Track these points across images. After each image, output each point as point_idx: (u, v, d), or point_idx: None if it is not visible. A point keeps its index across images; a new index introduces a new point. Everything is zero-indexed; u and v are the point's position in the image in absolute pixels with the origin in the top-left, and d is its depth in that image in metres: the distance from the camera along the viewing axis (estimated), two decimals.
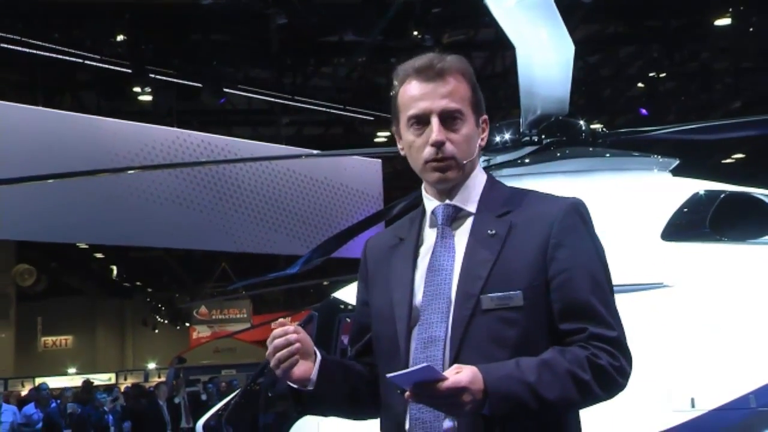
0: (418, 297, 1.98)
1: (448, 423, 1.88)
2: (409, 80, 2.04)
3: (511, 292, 1.88)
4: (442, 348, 1.91)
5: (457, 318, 1.91)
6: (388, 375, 1.77)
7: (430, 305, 1.95)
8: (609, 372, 1.84)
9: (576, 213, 1.98)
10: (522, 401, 1.77)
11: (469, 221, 2.03)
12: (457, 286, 1.93)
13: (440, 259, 1.99)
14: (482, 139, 2.07)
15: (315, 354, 1.99)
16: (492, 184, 2.09)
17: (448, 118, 1.99)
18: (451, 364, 1.86)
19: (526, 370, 1.79)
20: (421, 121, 2.00)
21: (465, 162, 2.01)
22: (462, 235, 2.01)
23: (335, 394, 2.04)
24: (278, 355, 1.91)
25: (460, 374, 1.75)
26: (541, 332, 1.90)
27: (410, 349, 1.95)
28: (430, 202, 2.08)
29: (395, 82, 2.09)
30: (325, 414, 2.13)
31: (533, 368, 1.80)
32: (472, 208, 2.03)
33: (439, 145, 1.98)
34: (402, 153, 2.12)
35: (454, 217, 2.04)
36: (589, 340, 1.86)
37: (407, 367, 1.88)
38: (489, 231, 1.96)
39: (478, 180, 2.07)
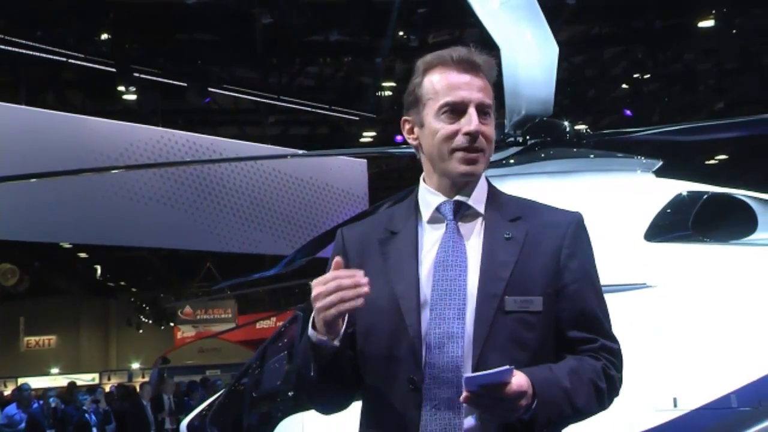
0: (426, 291, 1.94)
1: (470, 421, 1.87)
2: (446, 69, 2.00)
3: (533, 297, 1.94)
4: (462, 345, 1.89)
5: (480, 316, 1.90)
6: (466, 375, 1.75)
7: (443, 300, 1.92)
8: (616, 383, 1.97)
9: (583, 226, 2.07)
10: (561, 407, 1.85)
11: (478, 221, 2.03)
12: (479, 285, 1.92)
13: (452, 255, 1.96)
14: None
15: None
16: (492, 188, 2.10)
17: (482, 113, 1.99)
18: (474, 362, 1.86)
19: (561, 377, 1.86)
20: (456, 110, 1.98)
21: (489, 158, 2.05)
22: (471, 234, 2.01)
23: (343, 366, 1.97)
24: (342, 293, 1.81)
25: (519, 378, 1.77)
26: (553, 337, 1.97)
27: (422, 344, 1.91)
28: (435, 197, 2.04)
29: (421, 70, 2.05)
30: (320, 388, 2.00)
31: (566, 375, 1.87)
32: (480, 208, 2.04)
33: (476, 135, 1.97)
34: (412, 142, 2.08)
35: (463, 214, 2.02)
36: (600, 351, 1.96)
37: (420, 361, 1.88)
38: (505, 234, 1.99)
39: (484, 181, 2.09)
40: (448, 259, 1.95)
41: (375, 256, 2.03)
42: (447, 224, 2.01)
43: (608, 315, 2.03)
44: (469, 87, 1.98)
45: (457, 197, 2.02)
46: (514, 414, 1.78)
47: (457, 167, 1.98)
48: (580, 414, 1.91)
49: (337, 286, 1.82)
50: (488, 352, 1.87)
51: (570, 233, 2.02)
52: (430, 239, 2.01)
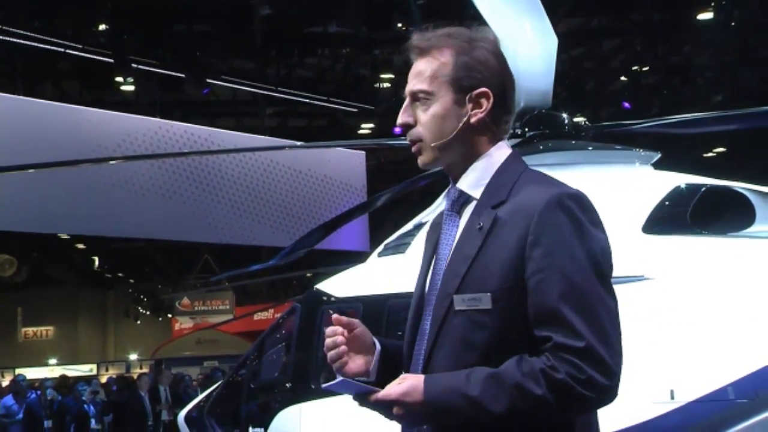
0: (427, 287, 1.96)
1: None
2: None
3: (480, 294, 1.79)
4: (425, 344, 1.88)
5: (434, 316, 1.87)
6: (322, 386, 1.84)
7: (430, 296, 1.92)
8: (569, 386, 1.69)
9: (559, 207, 1.78)
10: (463, 414, 1.73)
11: (471, 208, 1.91)
12: (441, 282, 1.89)
13: (442, 248, 1.93)
14: (473, 116, 1.89)
15: (375, 345, 1.95)
16: (508, 167, 1.92)
17: (417, 100, 1.92)
18: (425, 362, 1.86)
19: (473, 384, 1.72)
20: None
21: (435, 144, 1.90)
22: (464, 224, 1.92)
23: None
24: (329, 356, 1.89)
25: (395, 387, 1.77)
26: (516, 337, 1.78)
27: (414, 341, 1.94)
28: (450, 186, 1.99)
29: None
30: None
31: (480, 381, 1.72)
32: (477, 193, 1.90)
33: (403, 128, 1.94)
34: None
35: (463, 202, 1.93)
36: (554, 350, 1.72)
37: (411, 360, 1.92)
38: (478, 224, 1.84)
39: (490, 163, 1.92)
40: (440, 252, 1.94)
41: (425, 250, 2.06)
42: (446, 214, 1.97)
43: (588, 308, 1.74)
44: (410, 77, 1.94)
45: (459, 185, 1.94)
46: (399, 420, 1.80)
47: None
48: (506, 419, 1.71)
49: (325, 349, 1.91)
50: (436, 352, 1.85)
51: (537, 217, 1.77)
52: (445, 230, 1.98)
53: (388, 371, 1.92)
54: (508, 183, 1.88)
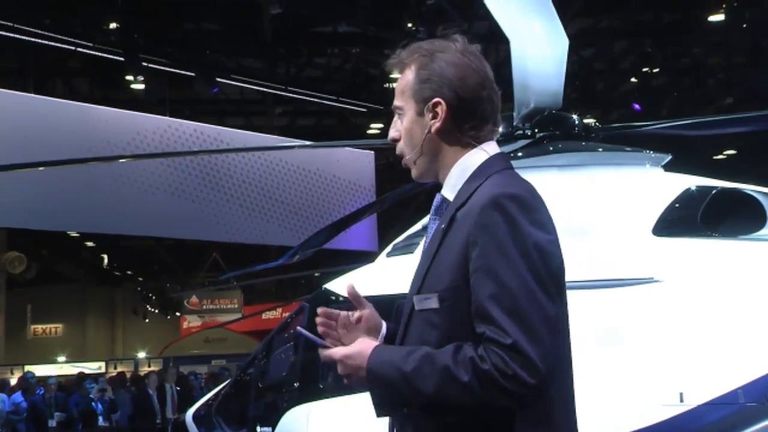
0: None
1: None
2: None
3: (431, 294, 1.87)
4: (397, 342, 1.97)
5: (403, 316, 1.96)
6: (298, 327, 2.07)
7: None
8: (494, 378, 1.73)
9: (494, 208, 1.82)
10: (394, 387, 1.81)
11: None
12: (411, 284, 1.97)
13: (423, 251, 2.02)
14: (432, 126, 1.97)
15: (382, 327, 2.03)
16: (480, 171, 1.96)
17: (398, 117, 2.05)
18: None
19: (410, 360, 1.79)
20: None
21: (410, 157, 2.02)
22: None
23: None
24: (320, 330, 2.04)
25: (343, 348, 1.91)
26: (461, 336, 1.82)
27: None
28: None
29: None
30: None
31: (417, 359, 1.79)
32: (452, 197, 1.99)
33: (392, 144, 2.06)
34: None
35: (445, 207, 2.01)
36: (485, 343, 1.77)
37: None
38: (442, 225, 1.93)
39: (465, 167, 1.98)
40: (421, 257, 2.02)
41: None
42: (430, 219, 2.05)
43: (518, 306, 1.76)
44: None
45: (442, 190, 2.03)
46: (346, 379, 1.90)
47: None
48: (434, 400, 1.77)
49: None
50: None
51: (476, 217, 1.82)
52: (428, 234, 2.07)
53: None
54: (474, 186, 1.92)
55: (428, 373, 1.77)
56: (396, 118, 2.05)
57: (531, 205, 1.86)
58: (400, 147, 2.04)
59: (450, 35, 2.05)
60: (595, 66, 15.74)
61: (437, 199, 2.03)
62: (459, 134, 1.99)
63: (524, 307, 1.76)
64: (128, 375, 18.63)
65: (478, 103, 1.98)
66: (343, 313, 2.01)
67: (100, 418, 14.09)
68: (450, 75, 1.97)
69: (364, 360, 1.84)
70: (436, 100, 1.97)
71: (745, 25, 13.28)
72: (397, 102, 2.04)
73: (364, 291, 5.61)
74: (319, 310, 2.02)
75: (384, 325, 2.03)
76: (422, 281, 1.91)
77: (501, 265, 1.78)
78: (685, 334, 4.28)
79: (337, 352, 1.90)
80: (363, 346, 1.88)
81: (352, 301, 2.03)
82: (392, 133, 2.06)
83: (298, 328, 2.07)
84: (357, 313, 2.02)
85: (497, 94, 2.02)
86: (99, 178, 10.30)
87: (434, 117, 1.98)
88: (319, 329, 2.01)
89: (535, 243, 1.81)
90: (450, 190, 1.99)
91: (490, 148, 2.00)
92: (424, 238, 2.08)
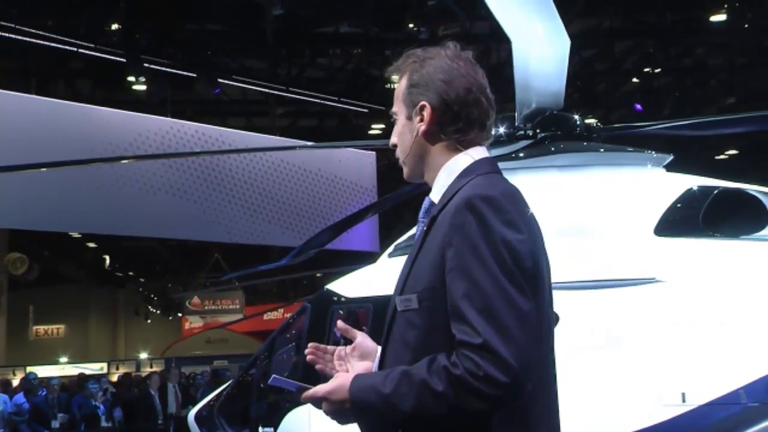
0: None
1: None
2: None
3: (411, 295, 1.90)
4: (382, 344, 2.00)
5: (387, 318, 1.99)
6: (269, 381, 2.00)
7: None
8: (467, 382, 1.73)
9: (467, 209, 1.85)
10: (378, 411, 1.81)
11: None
12: (395, 285, 2.01)
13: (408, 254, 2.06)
14: (418, 129, 2.04)
15: (377, 352, 2.03)
16: (463, 175, 1.99)
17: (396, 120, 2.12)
18: (379, 363, 1.97)
19: (388, 382, 1.80)
20: None
21: (403, 159, 2.10)
22: None
23: None
24: (308, 359, 2.07)
25: (324, 385, 1.89)
26: (440, 336, 1.84)
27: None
28: None
29: None
30: None
31: (394, 379, 1.80)
32: (438, 200, 2.03)
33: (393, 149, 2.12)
34: None
35: (432, 211, 2.04)
36: (457, 347, 1.77)
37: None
38: (424, 227, 1.98)
39: (450, 171, 2.02)
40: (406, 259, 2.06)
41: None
42: (419, 221, 2.08)
43: (489, 305, 1.77)
44: None
45: (430, 194, 2.08)
46: (331, 417, 1.90)
47: None
48: (416, 418, 1.77)
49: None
50: (385, 352, 1.96)
51: (451, 218, 1.86)
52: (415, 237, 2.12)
53: None
54: (455, 189, 1.95)
55: (406, 391, 1.77)
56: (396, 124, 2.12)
57: (502, 206, 1.86)
58: (397, 151, 2.12)
59: (446, 42, 2.11)
60: (597, 66, 15.73)
61: (426, 202, 2.07)
62: (444, 137, 2.03)
63: (496, 306, 1.77)
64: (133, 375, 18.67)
65: (463, 106, 2.01)
66: (337, 348, 2.04)
67: (103, 419, 14.10)
68: (436, 79, 2.02)
69: (346, 392, 1.85)
70: (422, 103, 2.03)
71: (747, 26, 13.28)
72: (393, 108, 2.11)
73: (365, 291, 5.61)
74: (311, 346, 2.04)
75: (379, 349, 2.03)
76: (404, 283, 1.95)
77: (473, 264, 1.80)
78: (686, 334, 4.28)
79: (319, 390, 1.89)
80: (342, 378, 1.89)
81: (342, 333, 2.07)
82: (393, 139, 2.13)
83: (274, 376, 2.00)
84: (350, 347, 2.04)
85: (489, 99, 2.05)
86: (101, 179, 10.32)
87: (421, 120, 2.04)
88: (317, 367, 2.04)
89: (505, 241, 1.82)
90: (435, 193, 2.04)
91: (476, 153, 2.02)
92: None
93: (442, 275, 1.84)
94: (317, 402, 1.91)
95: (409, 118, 2.06)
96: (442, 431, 1.82)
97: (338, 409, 1.87)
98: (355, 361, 2.02)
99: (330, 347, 2.04)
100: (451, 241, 1.84)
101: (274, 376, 1.97)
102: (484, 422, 1.80)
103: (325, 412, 1.90)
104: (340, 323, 2.09)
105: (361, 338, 2.05)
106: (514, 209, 1.88)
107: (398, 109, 2.09)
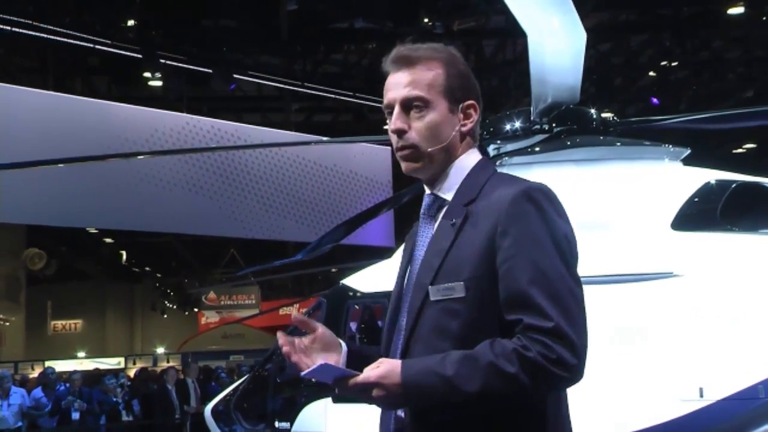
0: (405, 287, 2.07)
1: (399, 412, 1.97)
2: (389, 71, 2.07)
3: (454, 283, 1.90)
4: (402, 337, 1.98)
5: (410, 309, 1.98)
6: (302, 373, 1.90)
7: (406, 296, 2.03)
8: (540, 364, 1.78)
9: (526, 199, 1.89)
10: (439, 394, 1.81)
11: (444, 211, 2.03)
12: (416, 277, 2.00)
13: (418, 250, 2.05)
14: (463, 125, 2.03)
15: (340, 346, 2.03)
16: (479, 170, 2.04)
17: (411, 107, 2.01)
18: (402, 354, 1.95)
19: (447, 364, 1.80)
20: (391, 112, 2.05)
21: (430, 150, 2.00)
22: (437, 225, 2.04)
23: None
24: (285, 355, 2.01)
25: (374, 370, 1.85)
26: (489, 323, 1.87)
27: (391, 339, 2.05)
28: (425, 192, 2.11)
29: None
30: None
31: (455, 362, 1.80)
32: (449, 196, 2.03)
33: (398, 134, 2.02)
34: None
35: (438, 206, 2.05)
36: (524, 331, 1.81)
37: (387, 354, 2.01)
38: (452, 221, 1.97)
39: (461, 167, 2.04)
40: (416, 254, 2.06)
41: (402, 257, 2.18)
42: (421, 219, 2.08)
43: (556, 291, 1.83)
44: (396, 86, 2.03)
45: (433, 190, 2.06)
46: (379, 402, 1.87)
47: (402, 166, 2.06)
48: (480, 399, 1.80)
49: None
50: (412, 343, 1.95)
51: (505, 210, 1.89)
52: (421, 234, 2.10)
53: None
54: (478, 184, 2.00)
55: (471, 373, 1.79)
56: (400, 109, 2.02)
57: (554, 197, 1.94)
58: (411, 138, 2.01)
59: (441, 43, 2.11)
60: (613, 60, 15.65)
61: (428, 199, 2.07)
62: (475, 136, 2.08)
63: (560, 291, 1.84)
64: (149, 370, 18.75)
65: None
66: (296, 339, 2.00)
67: (123, 413, 14.20)
68: (473, 80, 2.07)
69: (398, 376, 1.83)
70: (471, 102, 2.04)
71: (765, 18, 13.17)
72: (418, 93, 2.00)
73: (381, 286, 5.62)
74: (281, 339, 2.00)
75: (343, 344, 2.04)
76: (436, 273, 1.93)
77: (536, 252, 1.86)
78: (704, 328, 4.26)
79: (370, 376, 1.85)
80: (390, 364, 1.87)
81: (299, 326, 2.05)
82: (401, 124, 2.02)
83: (322, 363, 1.92)
84: (307, 338, 2.01)
85: None
86: (117, 175, 10.37)
87: (466, 117, 2.04)
88: (293, 359, 1.99)
89: (562, 231, 1.90)
90: (445, 189, 2.03)
91: (476, 151, 2.09)
92: (415, 236, 2.09)
93: (491, 264, 1.88)
94: (364, 389, 1.86)
95: (452, 112, 2.02)
96: (500, 412, 1.85)
97: (388, 394, 1.85)
98: (317, 353, 1.99)
99: (297, 339, 2.01)
100: (507, 231, 1.87)
101: (321, 363, 1.89)
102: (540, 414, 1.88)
103: (373, 397, 1.86)
104: (294, 316, 2.08)
105: (322, 330, 2.03)
106: (559, 201, 1.96)
107: (433, 98, 2.00)
